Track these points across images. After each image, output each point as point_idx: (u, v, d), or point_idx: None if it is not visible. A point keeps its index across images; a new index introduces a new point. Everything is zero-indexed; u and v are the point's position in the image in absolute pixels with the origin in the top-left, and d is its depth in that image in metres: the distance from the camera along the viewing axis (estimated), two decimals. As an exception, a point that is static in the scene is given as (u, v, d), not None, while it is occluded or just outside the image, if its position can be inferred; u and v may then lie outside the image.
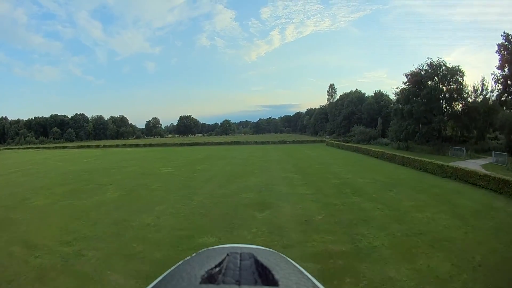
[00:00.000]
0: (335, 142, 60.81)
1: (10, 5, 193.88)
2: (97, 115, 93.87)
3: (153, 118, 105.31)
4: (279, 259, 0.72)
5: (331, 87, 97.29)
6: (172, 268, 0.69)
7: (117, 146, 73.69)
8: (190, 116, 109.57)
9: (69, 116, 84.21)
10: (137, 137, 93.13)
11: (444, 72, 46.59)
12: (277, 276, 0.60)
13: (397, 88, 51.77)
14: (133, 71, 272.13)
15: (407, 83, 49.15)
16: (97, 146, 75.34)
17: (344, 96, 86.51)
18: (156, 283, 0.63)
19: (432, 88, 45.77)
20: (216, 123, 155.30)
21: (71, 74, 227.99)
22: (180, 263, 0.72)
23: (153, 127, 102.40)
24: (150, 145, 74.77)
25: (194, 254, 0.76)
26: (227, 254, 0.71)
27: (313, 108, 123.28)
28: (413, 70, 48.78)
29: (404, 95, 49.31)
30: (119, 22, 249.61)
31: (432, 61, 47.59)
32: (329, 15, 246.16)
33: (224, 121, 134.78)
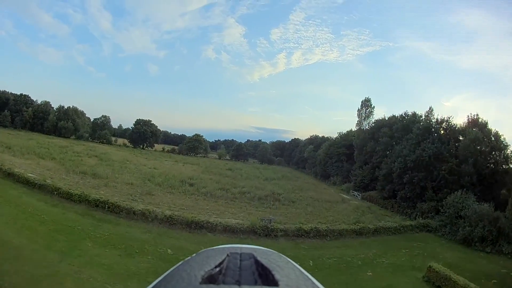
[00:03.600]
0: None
1: None
2: (60, 105, 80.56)
3: (103, 116, 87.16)
4: (279, 259, 0.73)
5: (366, 104, 59.22)
6: (172, 268, 0.70)
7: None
8: (150, 121, 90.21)
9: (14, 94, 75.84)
10: (78, 138, 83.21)
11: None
12: (277, 276, 0.61)
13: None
14: (134, 70, 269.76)
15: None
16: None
17: (395, 121, 50.28)
18: (156, 283, 0.64)
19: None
20: (183, 134, 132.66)
21: (74, 61, 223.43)
22: (180, 263, 0.73)
23: (99, 128, 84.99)
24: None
25: (194, 254, 0.77)
26: (227, 255, 0.72)
27: (320, 136, 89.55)
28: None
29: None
30: (129, 18, 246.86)
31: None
32: (338, 46, 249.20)
33: (194, 135, 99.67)
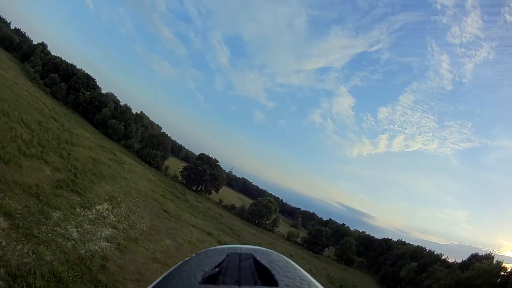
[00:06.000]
0: None
1: None
2: (120, 103, 73.11)
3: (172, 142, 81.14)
4: (279, 259, 0.72)
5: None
6: (172, 268, 0.70)
7: None
8: (215, 161, 74.48)
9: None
10: (126, 146, 68.46)
11: None
12: (277, 276, 0.60)
13: None
14: (240, 112, 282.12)
15: None
16: None
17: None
18: (156, 284, 0.63)
19: None
20: (264, 190, 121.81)
21: (184, 82, 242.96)
22: (180, 263, 0.72)
23: (153, 146, 69.87)
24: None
25: (194, 254, 0.76)
26: (227, 255, 0.72)
27: (427, 249, 69.38)
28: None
29: None
30: (247, 60, 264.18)
31: None
32: (439, 137, 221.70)
33: (265, 198, 75.60)
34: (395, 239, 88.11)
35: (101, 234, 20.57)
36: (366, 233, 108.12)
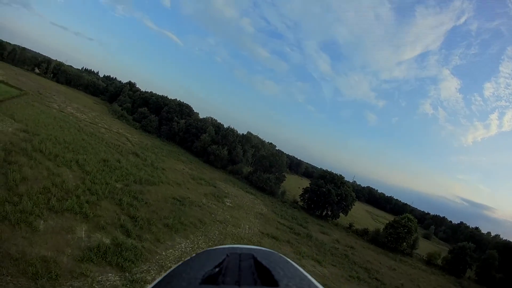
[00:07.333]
0: None
1: (236, 12, 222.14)
2: (222, 124, 68.77)
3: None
4: (279, 259, 0.72)
5: None
6: (172, 268, 0.69)
7: None
8: (341, 177, 62.27)
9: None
10: (233, 172, 58.46)
11: None
12: (277, 277, 0.60)
13: None
14: (353, 117, 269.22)
15: None
16: None
17: None
18: (156, 284, 0.62)
19: None
20: (391, 196, 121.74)
21: (292, 97, 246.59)
22: (180, 263, 0.71)
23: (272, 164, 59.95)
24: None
25: (194, 254, 0.76)
26: (227, 255, 0.71)
27: None
28: None
29: None
30: (347, 63, 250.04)
31: None
32: None
33: (403, 216, 55.81)
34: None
35: None
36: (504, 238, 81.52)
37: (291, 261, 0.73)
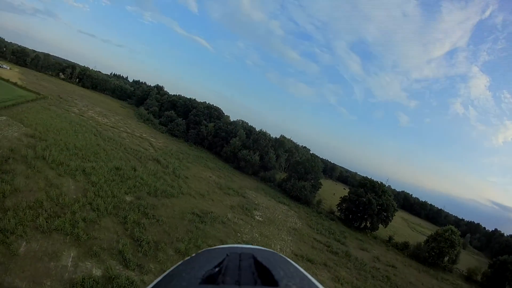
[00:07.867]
0: None
1: (264, 16, 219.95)
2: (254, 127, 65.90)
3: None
4: (279, 259, 0.72)
5: None
6: (172, 268, 0.69)
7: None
8: (381, 184, 55.11)
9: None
10: (266, 179, 53.88)
11: None
12: (277, 276, 0.60)
13: None
14: (385, 118, 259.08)
15: None
16: None
17: None
18: (156, 283, 0.62)
19: None
20: (425, 201, 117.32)
21: (324, 99, 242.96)
22: (180, 263, 0.72)
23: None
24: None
25: (194, 254, 0.76)
26: (227, 255, 0.71)
27: None
28: None
29: None
30: (377, 62, 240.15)
31: None
32: None
33: (446, 229, 48.37)
34: None
35: None
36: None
37: (291, 261, 0.72)
